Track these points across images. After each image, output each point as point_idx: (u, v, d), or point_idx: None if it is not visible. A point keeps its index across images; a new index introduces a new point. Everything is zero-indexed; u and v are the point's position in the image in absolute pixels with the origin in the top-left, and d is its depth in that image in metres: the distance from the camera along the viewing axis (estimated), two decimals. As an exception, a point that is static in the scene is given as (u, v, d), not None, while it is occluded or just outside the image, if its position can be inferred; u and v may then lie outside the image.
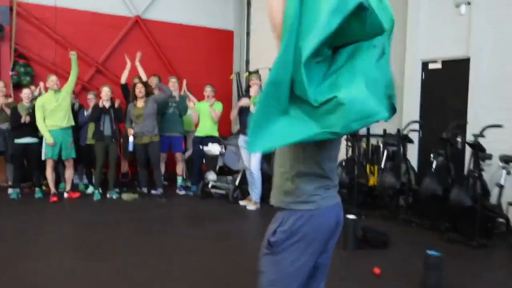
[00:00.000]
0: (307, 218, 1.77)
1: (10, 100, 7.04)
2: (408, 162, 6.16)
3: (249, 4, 9.82)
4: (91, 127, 7.04)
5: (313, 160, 1.78)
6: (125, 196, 6.86)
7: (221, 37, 10.09)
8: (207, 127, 7.29)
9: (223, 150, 6.77)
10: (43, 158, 6.64)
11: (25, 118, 6.55)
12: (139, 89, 6.83)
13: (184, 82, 7.99)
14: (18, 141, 6.67)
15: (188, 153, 7.75)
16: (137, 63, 7.34)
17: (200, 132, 7.33)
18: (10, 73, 7.87)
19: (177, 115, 7.38)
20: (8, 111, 6.80)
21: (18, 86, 7.94)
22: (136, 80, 7.51)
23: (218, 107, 7.33)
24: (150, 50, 9.24)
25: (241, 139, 6.52)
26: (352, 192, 6.15)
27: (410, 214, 5.86)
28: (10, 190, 6.99)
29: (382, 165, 6.28)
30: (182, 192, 7.37)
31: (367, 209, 6.20)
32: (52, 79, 6.67)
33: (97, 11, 8.75)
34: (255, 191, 6.41)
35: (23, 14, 8.06)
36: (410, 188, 5.91)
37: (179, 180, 7.48)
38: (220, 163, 6.76)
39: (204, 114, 7.34)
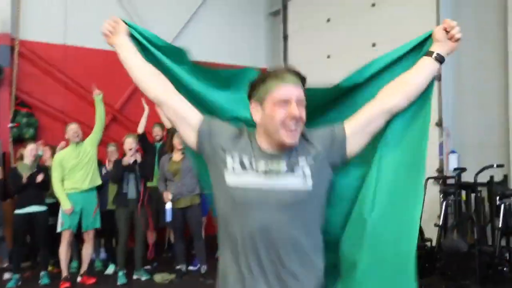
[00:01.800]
0: None
1: None
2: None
3: (285, 38, 8.53)
4: (112, 189, 5.53)
5: None
6: (158, 278, 5.24)
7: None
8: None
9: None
10: (58, 229, 5.10)
11: (26, 179, 5.06)
12: (179, 139, 5.34)
13: None
14: (20, 211, 5.12)
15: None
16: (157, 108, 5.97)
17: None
18: (9, 124, 6.45)
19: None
20: None
21: (19, 141, 6.52)
22: (157, 128, 6.17)
23: None
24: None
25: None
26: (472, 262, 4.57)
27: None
28: (6, 275, 5.38)
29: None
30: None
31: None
32: (73, 127, 5.23)
33: (111, 49, 7.44)
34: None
35: (26, 54, 6.74)
36: None
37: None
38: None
39: None
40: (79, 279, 5.22)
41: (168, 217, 5.21)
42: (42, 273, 5.24)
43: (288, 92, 1.48)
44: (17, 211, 5.14)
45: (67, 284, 4.96)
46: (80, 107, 7.05)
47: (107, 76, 7.30)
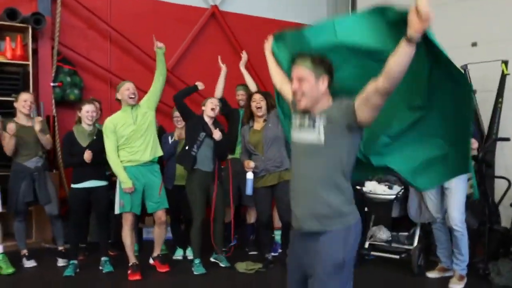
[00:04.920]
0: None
1: (38, 120, 4.57)
2: None
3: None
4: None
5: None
6: (242, 266, 4.43)
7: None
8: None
9: (400, 192, 4.31)
10: (117, 211, 4.24)
11: (87, 154, 4.18)
12: (257, 102, 4.48)
13: None
14: (78, 186, 4.29)
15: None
16: (242, 68, 5.11)
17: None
18: (52, 84, 5.54)
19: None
20: (43, 139, 4.46)
21: (63, 103, 5.65)
22: (242, 91, 5.24)
23: None
24: (229, 50, 6.95)
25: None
26: None
27: None
28: (61, 262, 4.57)
29: None
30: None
31: None
32: (128, 86, 4.27)
33: (163, 0, 6.49)
34: (458, 257, 3.97)
35: (67, 2, 5.76)
36: None
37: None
38: (395, 212, 4.32)
39: None
40: (151, 261, 4.45)
41: (249, 190, 4.34)
42: (104, 259, 4.43)
43: (294, 72, 2.04)
44: (74, 185, 4.30)
45: (137, 276, 4.14)
46: (126, 65, 6.17)
47: (157, 29, 6.31)
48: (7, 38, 5.22)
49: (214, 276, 4.30)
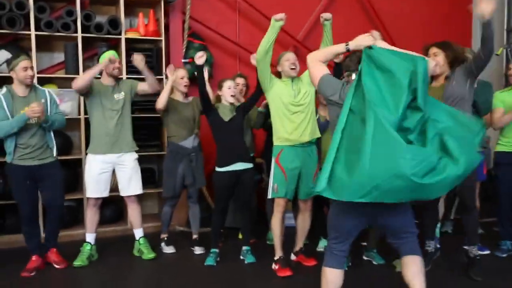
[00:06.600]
0: None
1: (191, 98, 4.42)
2: None
3: None
4: (326, 139, 4.14)
5: None
6: (400, 265, 3.85)
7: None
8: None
9: None
10: (269, 196, 3.84)
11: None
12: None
13: None
14: (224, 169, 3.95)
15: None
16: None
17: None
18: (183, 60, 5.31)
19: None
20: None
21: (194, 79, 5.39)
22: None
23: None
24: (363, 17, 6.29)
25: None
26: None
27: None
28: (198, 250, 4.33)
29: None
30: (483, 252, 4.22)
31: None
32: (288, 57, 3.81)
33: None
34: None
35: (196, -28, 5.46)
36: None
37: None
38: None
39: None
40: (293, 257, 4.04)
41: None
42: (245, 248, 4.11)
43: None
44: (219, 169, 3.97)
45: (288, 272, 3.71)
46: (256, 38, 5.70)
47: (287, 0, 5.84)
48: (140, 14, 5.04)
49: (369, 273, 3.78)
